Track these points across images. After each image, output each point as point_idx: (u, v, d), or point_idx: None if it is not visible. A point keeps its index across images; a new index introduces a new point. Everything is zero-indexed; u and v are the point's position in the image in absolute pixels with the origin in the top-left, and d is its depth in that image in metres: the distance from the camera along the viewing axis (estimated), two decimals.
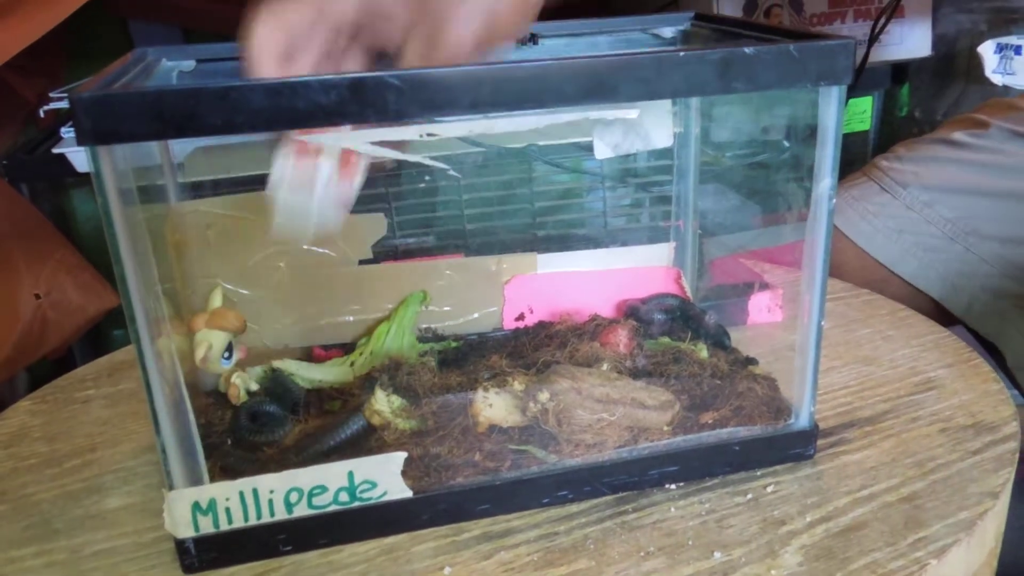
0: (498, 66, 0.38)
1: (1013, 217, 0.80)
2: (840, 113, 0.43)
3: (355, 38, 0.44)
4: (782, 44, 0.41)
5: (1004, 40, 1.25)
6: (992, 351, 0.83)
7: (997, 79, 1.27)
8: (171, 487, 0.41)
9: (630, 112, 0.40)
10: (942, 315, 0.83)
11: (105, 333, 1.26)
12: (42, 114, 0.98)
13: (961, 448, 0.50)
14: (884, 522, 0.44)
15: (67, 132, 0.94)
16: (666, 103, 0.55)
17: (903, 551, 0.42)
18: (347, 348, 0.58)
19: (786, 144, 0.59)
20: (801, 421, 0.49)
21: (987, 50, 1.26)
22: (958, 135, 0.84)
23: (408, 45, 0.42)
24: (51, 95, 0.98)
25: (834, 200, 0.45)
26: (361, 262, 0.59)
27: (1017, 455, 0.49)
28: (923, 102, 1.39)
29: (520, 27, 0.44)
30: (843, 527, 0.44)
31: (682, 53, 0.39)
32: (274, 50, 0.42)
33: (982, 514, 0.44)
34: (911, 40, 1.25)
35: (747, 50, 0.40)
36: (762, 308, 0.63)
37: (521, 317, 0.61)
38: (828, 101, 0.43)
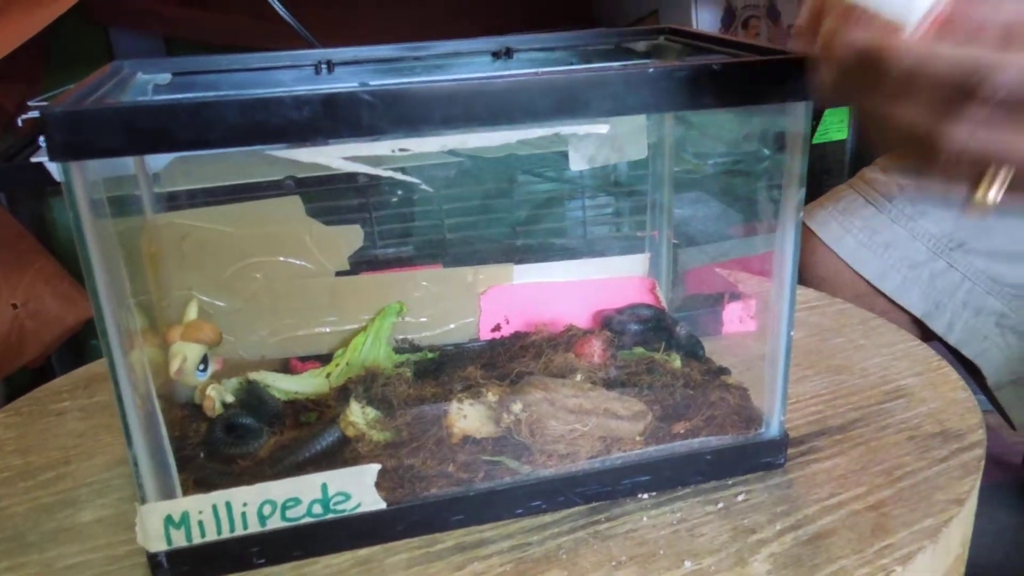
0: (470, 82, 0.38)
1: (999, 231, 0.80)
2: (807, 127, 0.44)
3: None
4: (749, 60, 0.41)
5: None
6: (971, 370, 0.83)
7: None
8: (143, 500, 0.41)
9: (601, 127, 0.41)
10: (924, 330, 0.84)
11: (84, 343, 1.26)
12: (20, 123, 0.98)
13: (928, 456, 0.50)
14: (852, 530, 0.45)
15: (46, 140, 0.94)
16: (640, 116, 0.55)
17: (869, 558, 0.42)
18: (324, 359, 0.58)
19: (765, 153, 0.60)
20: (771, 431, 0.50)
21: None
22: None
23: None
24: (30, 104, 0.98)
25: (801, 213, 0.45)
26: (338, 273, 0.59)
27: (983, 462, 0.50)
28: None
29: None
30: (811, 535, 0.44)
31: (651, 69, 0.40)
32: None
33: (947, 521, 0.45)
34: None
35: (714, 66, 0.40)
36: (735, 318, 0.64)
37: (497, 328, 0.62)
38: (795, 116, 0.43)
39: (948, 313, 0.81)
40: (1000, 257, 0.79)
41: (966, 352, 0.82)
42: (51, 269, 1.10)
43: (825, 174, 1.43)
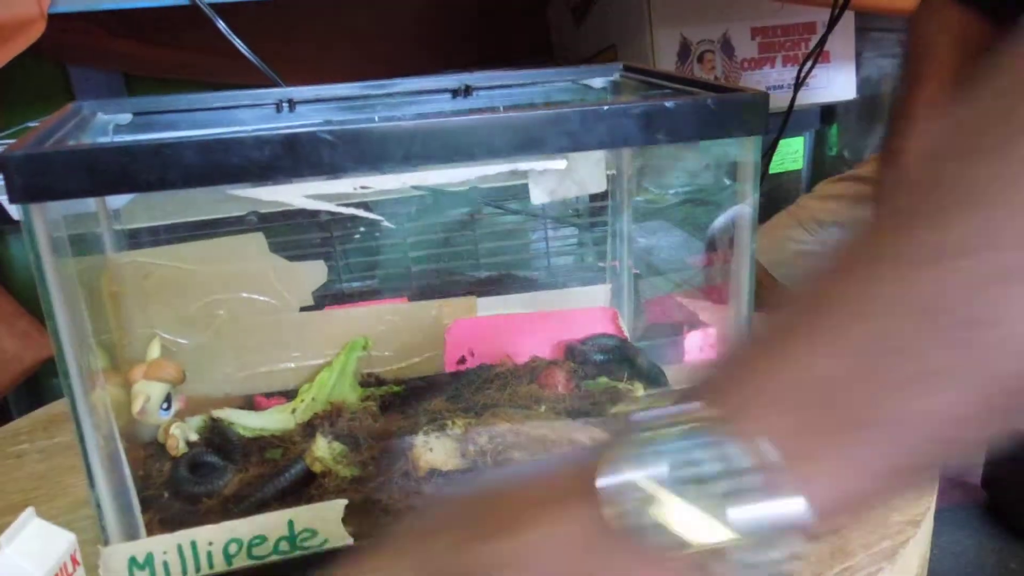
0: (428, 121, 0.39)
1: None
2: (757, 160, 0.45)
3: None
4: (700, 98, 0.43)
5: None
6: None
7: None
8: (107, 542, 0.41)
9: (558, 163, 0.42)
10: None
11: (42, 382, 1.23)
12: None
13: None
14: (811, 553, 0.45)
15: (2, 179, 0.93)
16: (598, 151, 0.57)
17: None
18: (289, 395, 0.58)
19: (723, 182, 0.62)
20: None
21: None
22: (869, 169, 0.89)
23: None
24: None
25: (755, 243, 0.47)
26: (302, 309, 0.59)
27: (937, 483, 0.51)
28: (851, 142, 1.45)
29: None
30: None
31: (606, 107, 0.41)
32: None
33: (904, 542, 0.46)
34: (837, 83, 1.31)
35: (667, 104, 0.42)
36: (696, 346, 0.65)
37: (463, 360, 0.62)
38: (745, 150, 0.45)
39: None
40: None
41: None
42: (8, 307, 1.09)
43: (782, 203, 1.46)
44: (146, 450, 0.53)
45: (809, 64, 1.21)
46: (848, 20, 1.28)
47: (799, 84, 1.18)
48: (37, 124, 1.07)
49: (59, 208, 0.39)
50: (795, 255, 0.88)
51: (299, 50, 1.33)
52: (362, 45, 1.38)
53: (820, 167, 1.48)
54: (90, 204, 0.52)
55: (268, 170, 0.38)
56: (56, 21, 0.87)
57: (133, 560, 0.41)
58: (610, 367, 0.59)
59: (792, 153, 1.41)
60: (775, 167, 1.39)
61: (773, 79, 1.29)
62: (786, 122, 1.19)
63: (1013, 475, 1.23)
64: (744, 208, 0.46)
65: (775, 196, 1.44)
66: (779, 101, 1.24)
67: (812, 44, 1.26)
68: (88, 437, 0.40)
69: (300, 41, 1.34)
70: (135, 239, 0.56)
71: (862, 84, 1.34)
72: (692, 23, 1.24)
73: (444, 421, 0.50)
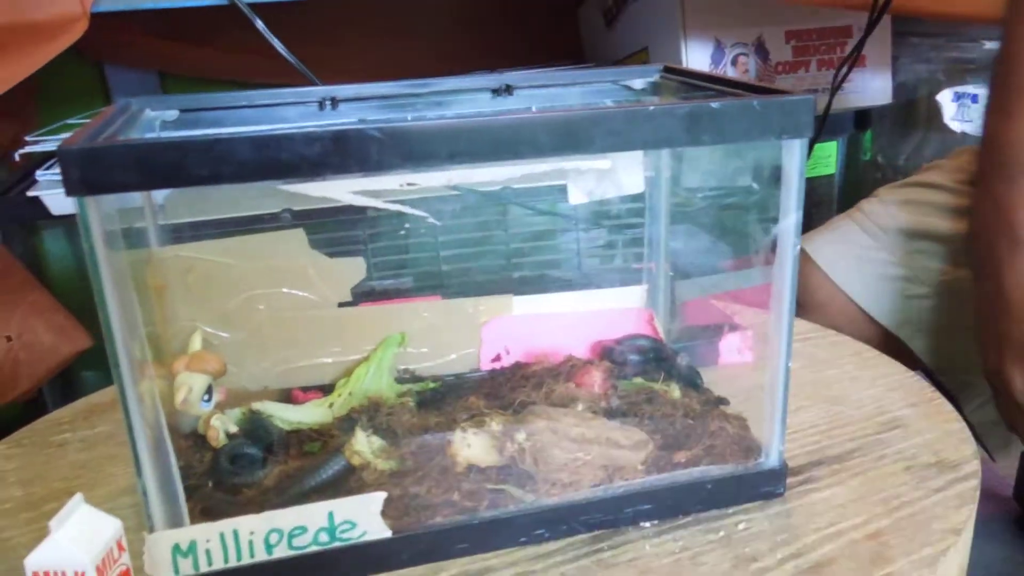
0: (475, 119, 0.39)
1: None
2: (803, 164, 0.45)
3: None
4: (746, 99, 0.43)
5: (961, 89, 1.30)
6: (953, 401, 0.84)
7: (955, 126, 1.31)
8: (152, 529, 0.42)
9: (603, 162, 0.42)
10: (911, 359, 0.85)
11: (76, 375, 1.25)
12: (17, 157, 0.99)
13: (925, 486, 0.51)
14: (851, 559, 0.45)
15: (42, 175, 0.94)
16: (638, 151, 0.57)
17: None
18: (326, 390, 0.59)
19: (758, 188, 0.61)
20: (771, 460, 0.50)
21: (945, 98, 1.32)
22: (937, 178, 0.86)
23: None
24: (26, 139, 0.99)
25: (799, 246, 0.47)
26: (340, 305, 0.60)
27: (978, 492, 0.51)
28: (885, 147, 1.43)
29: None
30: (812, 563, 0.45)
31: (651, 107, 0.41)
32: None
33: (945, 550, 0.45)
34: (872, 88, 1.30)
35: (713, 104, 0.42)
36: (732, 349, 0.65)
37: (498, 358, 0.62)
38: (791, 153, 0.45)
39: (936, 344, 0.83)
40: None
41: (948, 383, 0.83)
42: (45, 302, 1.10)
43: (815, 207, 1.45)
44: (186, 441, 0.53)
45: (845, 68, 1.20)
46: (885, 24, 1.27)
47: (835, 88, 1.18)
48: (76, 121, 1.09)
49: (112, 202, 0.39)
50: (857, 258, 0.85)
51: (334, 51, 1.34)
52: (394, 46, 1.39)
53: (853, 172, 1.47)
54: (137, 199, 0.52)
55: (317, 166, 0.38)
56: (94, 20, 0.89)
57: (177, 547, 0.42)
58: (646, 368, 0.59)
59: (825, 158, 1.40)
60: (808, 171, 1.38)
61: (807, 83, 1.28)
62: (822, 126, 1.19)
63: None
64: (789, 214, 0.46)
65: (807, 200, 1.43)
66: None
67: (848, 48, 1.25)
68: (136, 426, 0.40)
69: (335, 43, 1.35)
70: (178, 234, 0.57)
71: (898, 89, 1.33)
72: (726, 25, 1.23)
73: (482, 418, 0.50)
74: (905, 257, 0.83)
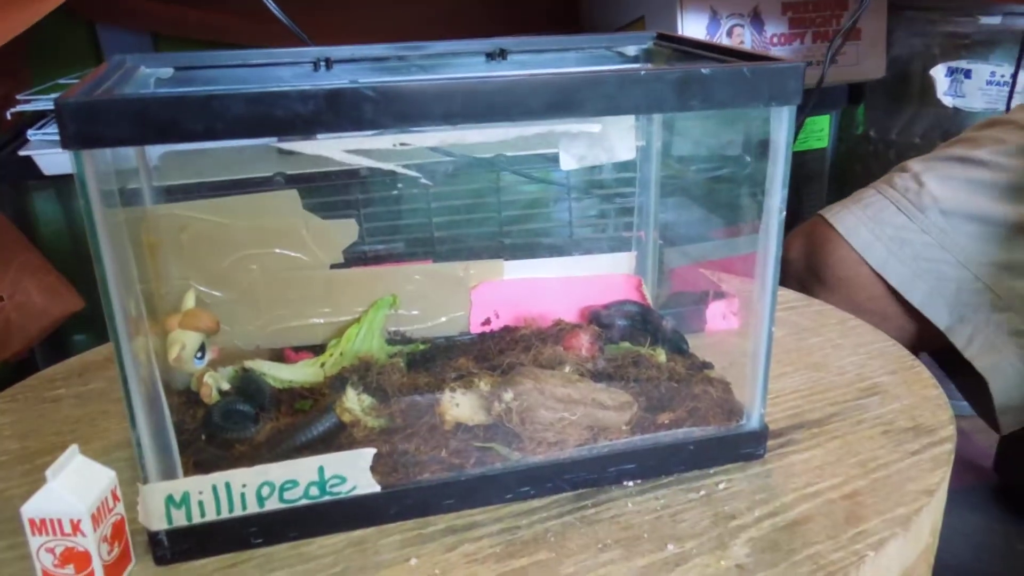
0: (469, 80, 0.40)
1: None
2: (790, 132, 0.46)
3: None
4: (736, 65, 0.43)
5: (955, 64, 1.31)
6: (966, 389, 0.84)
7: (948, 101, 1.32)
8: (145, 480, 0.42)
9: (593, 126, 0.43)
10: (925, 338, 0.85)
11: (67, 338, 1.26)
12: (8, 116, 0.98)
13: (901, 449, 0.52)
14: (827, 517, 0.47)
15: (34, 134, 0.94)
16: (629, 118, 0.57)
17: (843, 544, 0.44)
18: (317, 350, 0.60)
19: (747, 159, 0.62)
20: (752, 423, 0.51)
21: (939, 73, 1.32)
22: (979, 153, 0.82)
23: None
24: (18, 97, 0.99)
25: (784, 215, 0.47)
26: (332, 266, 0.60)
27: (952, 456, 0.52)
28: (878, 121, 1.44)
29: None
30: (789, 521, 0.46)
31: (643, 72, 0.42)
32: None
33: (918, 510, 0.47)
34: (866, 62, 1.30)
35: (704, 70, 0.42)
36: (719, 315, 0.66)
37: (487, 322, 0.63)
38: (779, 120, 0.45)
39: (970, 327, 0.81)
40: None
41: (978, 365, 0.81)
42: (36, 262, 1.10)
43: (807, 181, 1.46)
44: (180, 397, 0.54)
45: (839, 41, 1.20)
46: None
47: (829, 61, 1.18)
48: (68, 80, 1.08)
49: (107, 160, 0.40)
50: (892, 239, 0.82)
51: (328, 15, 1.33)
52: (390, 11, 1.38)
53: (845, 146, 1.47)
54: (131, 160, 0.53)
55: (311, 124, 0.38)
56: None
57: (170, 498, 0.43)
58: (633, 333, 0.60)
59: (817, 131, 1.41)
60: (799, 145, 1.39)
61: (802, 55, 1.28)
62: (813, 99, 1.19)
63: None
64: (776, 182, 0.47)
65: (799, 174, 1.44)
66: (808, 78, 1.23)
67: (844, 21, 1.25)
68: (131, 379, 0.41)
69: (329, 7, 1.34)
70: (171, 194, 0.57)
71: (892, 63, 1.33)
72: None
73: (470, 378, 0.51)
74: (948, 240, 0.81)
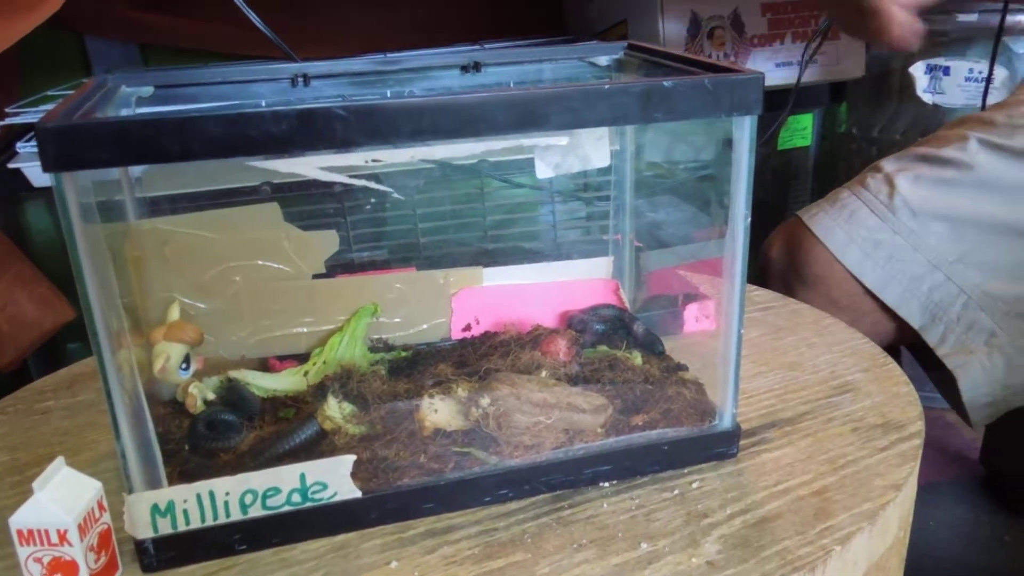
0: (435, 98, 0.41)
1: (996, 247, 0.81)
2: (752, 140, 0.47)
3: None
4: (698, 77, 0.45)
5: (933, 62, 1.32)
6: (941, 383, 0.86)
7: (927, 98, 1.34)
8: (131, 490, 0.44)
9: (560, 139, 0.44)
10: (903, 336, 0.86)
11: (60, 346, 1.27)
12: None
13: (870, 445, 0.54)
14: (796, 513, 0.48)
15: (23, 147, 0.95)
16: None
17: (811, 539, 0.46)
18: (301, 359, 0.61)
19: (722, 161, 0.63)
20: (724, 423, 0.53)
21: (918, 71, 1.33)
22: (945, 152, 0.84)
23: None
24: (7, 110, 1.00)
25: (749, 219, 0.49)
26: (314, 276, 0.62)
27: (920, 451, 0.54)
28: (860, 119, 1.45)
29: None
30: (759, 518, 0.48)
31: (607, 86, 0.43)
32: None
33: (885, 505, 0.48)
34: (846, 61, 1.31)
35: (665, 83, 0.44)
36: (695, 318, 0.67)
37: (468, 328, 0.64)
38: (741, 130, 0.47)
39: (943, 326, 0.83)
40: (998, 272, 0.81)
41: (949, 364, 0.83)
42: (28, 273, 1.11)
43: (791, 178, 1.47)
44: (165, 408, 0.55)
45: (818, 41, 1.21)
46: None
47: (807, 61, 1.19)
48: (57, 92, 1.09)
49: (88, 176, 0.41)
50: (865, 240, 0.84)
51: (312, 23, 1.34)
52: (375, 18, 1.39)
53: (829, 144, 1.49)
54: (114, 172, 0.54)
55: (285, 143, 0.40)
56: None
57: (155, 508, 0.44)
58: (610, 336, 0.62)
59: (801, 130, 1.42)
60: (783, 143, 1.40)
61: (783, 56, 1.30)
62: (792, 98, 1.21)
63: (1010, 450, 1.25)
64: (740, 187, 0.48)
65: (783, 172, 1.45)
66: (789, 78, 1.25)
67: (821, 21, 1.26)
68: (114, 392, 0.42)
69: (313, 14, 1.36)
70: (155, 207, 0.59)
71: (871, 62, 1.34)
72: None
73: (449, 384, 0.52)
74: (919, 241, 0.82)
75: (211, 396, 0.54)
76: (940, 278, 0.82)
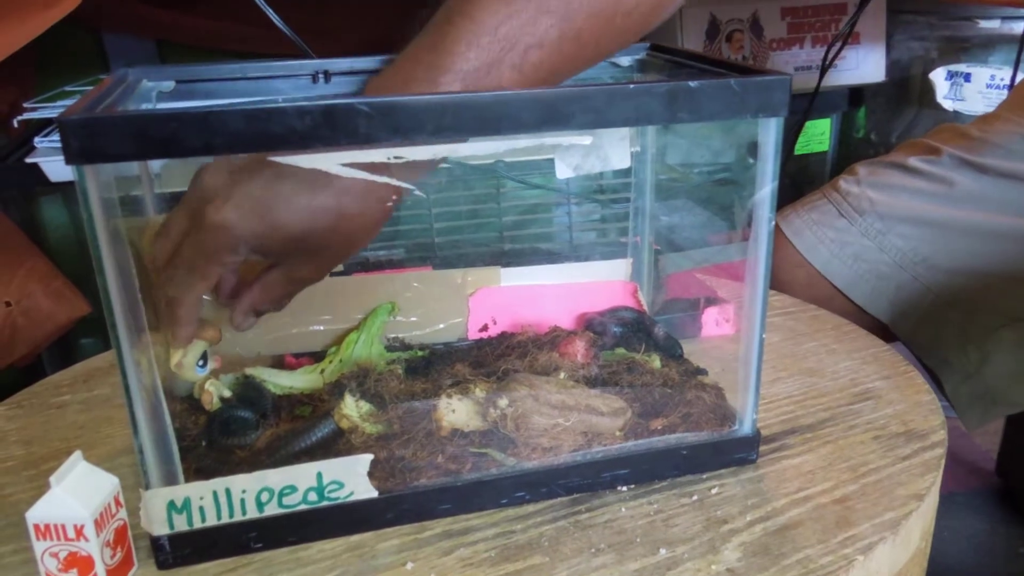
0: (459, 95, 0.41)
1: (961, 249, 0.82)
2: (778, 142, 0.46)
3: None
4: (724, 78, 0.44)
5: (954, 68, 1.31)
6: (934, 377, 0.86)
7: (948, 104, 1.32)
8: (148, 486, 0.43)
9: (583, 139, 0.44)
10: (888, 332, 0.87)
11: (74, 341, 1.27)
12: (15, 124, 0.99)
13: (892, 454, 0.53)
14: (817, 521, 0.47)
15: (40, 142, 0.95)
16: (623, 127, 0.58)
17: (833, 548, 0.45)
18: (317, 356, 0.61)
19: (750, 161, 0.63)
20: (745, 428, 0.52)
21: (938, 77, 1.32)
22: (913, 161, 0.86)
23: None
24: (25, 105, 1.00)
25: (774, 223, 0.48)
26: (332, 274, 0.61)
27: (943, 460, 0.53)
28: (879, 125, 1.44)
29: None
30: (780, 526, 0.47)
31: (631, 86, 0.43)
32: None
33: (907, 515, 0.47)
34: (866, 65, 1.30)
35: (691, 84, 0.43)
36: (714, 321, 0.67)
37: (485, 328, 0.64)
38: (767, 131, 0.46)
39: (912, 323, 0.84)
40: (963, 273, 0.82)
41: (927, 362, 0.84)
42: (43, 268, 1.12)
43: (808, 184, 1.46)
44: (181, 404, 0.55)
45: (838, 45, 1.21)
46: (879, 2, 1.28)
47: (827, 65, 1.19)
48: (74, 88, 1.09)
49: (109, 171, 0.41)
50: (833, 241, 0.86)
51: (328, 21, 1.34)
52: (389, 17, 1.39)
53: (847, 149, 1.48)
54: (133, 167, 0.54)
55: (307, 138, 0.39)
56: None
57: (172, 504, 0.44)
58: (628, 339, 0.61)
59: (819, 135, 1.41)
60: (801, 148, 1.40)
61: (802, 60, 1.29)
62: (812, 103, 1.20)
63: None
64: (765, 190, 0.47)
65: (800, 178, 1.45)
66: (807, 82, 1.24)
67: (842, 25, 1.25)
68: (133, 388, 0.42)
69: (331, 12, 1.36)
70: (174, 203, 0.58)
71: (891, 67, 1.34)
72: (721, 2, 1.24)
73: (466, 385, 0.52)
74: (885, 242, 0.84)
75: (227, 393, 0.54)
76: (907, 278, 0.84)
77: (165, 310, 0.49)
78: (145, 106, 0.52)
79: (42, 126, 1.02)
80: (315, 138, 0.40)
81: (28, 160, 0.94)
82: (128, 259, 0.42)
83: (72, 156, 0.38)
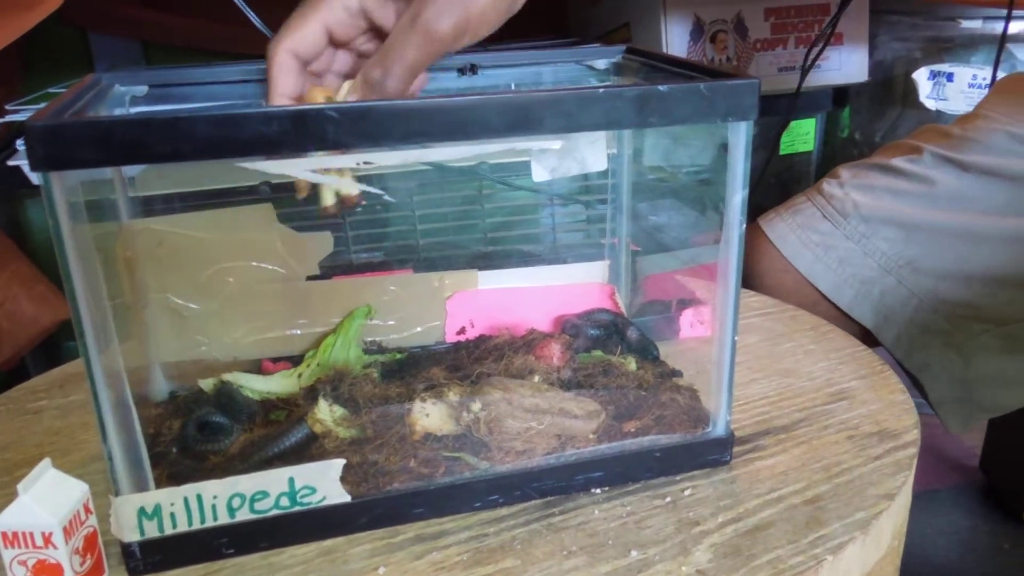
0: (427, 101, 0.41)
1: (945, 253, 0.82)
2: (748, 146, 0.46)
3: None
4: (694, 82, 0.44)
5: (937, 68, 1.32)
6: (916, 382, 0.86)
7: (931, 104, 1.33)
8: (117, 493, 0.43)
9: (553, 143, 0.44)
10: (872, 339, 0.87)
11: (59, 344, 1.27)
12: None
13: (865, 454, 0.53)
14: (788, 522, 0.47)
15: (23, 144, 0.95)
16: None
17: (803, 548, 0.45)
18: (295, 360, 0.61)
19: (720, 164, 0.63)
20: (718, 430, 0.52)
21: (921, 77, 1.33)
22: (896, 161, 0.86)
23: (395, 27, 0.48)
24: (7, 107, 0.99)
25: (744, 225, 0.48)
26: (309, 278, 0.61)
27: (916, 460, 0.53)
28: (863, 125, 1.45)
29: (493, 27, 0.50)
30: (751, 526, 0.47)
31: (601, 90, 0.43)
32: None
33: (878, 514, 0.48)
34: (849, 66, 1.31)
35: (661, 88, 0.43)
36: (691, 323, 0.67)
37: (462, 331, 0.64)
38: (736, 135, 0.46)
39: (896, 327, 0.84)
40: (948, 277, 0.82)
41: (909, 367, 0.84)
42: (27, 271, 1.11)
43: (793, 183, 1.47)
44: (157, 409, 0.55)
45: (820, 45, 1.21)
46: (862, 2, 1.28)
47: (808, 66, 1.19)
48: (58, 89, 1.09)
49: (77, 175, 0.41)
50: (817, 245, 0.86)
51: None
52: None
53: (831, 149, 1.48)
54: (106, 171, 0.53)
55: (276, 144, 0.39)
56: None
57: (142, 510, 0.44)
58: (605, 341, 0.61)
59: (803, 135, 1.42)
60: (785, 148, 1.40)
61: (786, 60, 1.29)
62: (794, 103, 1.20)
63: (1010, 459, 1.24)
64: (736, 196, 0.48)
65: (785, 177, 1.45)
66: (792, 83, 1.24)
67: (826, 25, 1.26)
68: (101, 394, 0.42)
69: None
70: (149, 206, 0.58)
71: (875, 67, 1.34)
72: (706, 2, 1.24)
73: (440, 388, 0.52)
74: (869, 245, 0.84)
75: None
76: (891, 282, 0.84)
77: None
78: (117, 111, 0.52)
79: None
80: (283, 144, 0.40)
81: (11, 163, 0.93)
82: (96, 264, 0.42)
83: (38, 163, 0.38)
